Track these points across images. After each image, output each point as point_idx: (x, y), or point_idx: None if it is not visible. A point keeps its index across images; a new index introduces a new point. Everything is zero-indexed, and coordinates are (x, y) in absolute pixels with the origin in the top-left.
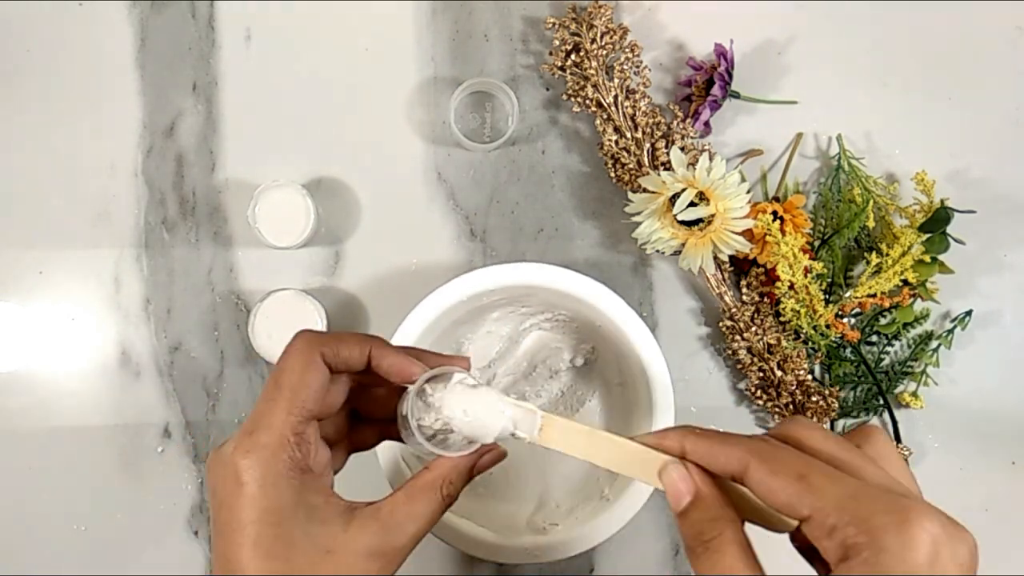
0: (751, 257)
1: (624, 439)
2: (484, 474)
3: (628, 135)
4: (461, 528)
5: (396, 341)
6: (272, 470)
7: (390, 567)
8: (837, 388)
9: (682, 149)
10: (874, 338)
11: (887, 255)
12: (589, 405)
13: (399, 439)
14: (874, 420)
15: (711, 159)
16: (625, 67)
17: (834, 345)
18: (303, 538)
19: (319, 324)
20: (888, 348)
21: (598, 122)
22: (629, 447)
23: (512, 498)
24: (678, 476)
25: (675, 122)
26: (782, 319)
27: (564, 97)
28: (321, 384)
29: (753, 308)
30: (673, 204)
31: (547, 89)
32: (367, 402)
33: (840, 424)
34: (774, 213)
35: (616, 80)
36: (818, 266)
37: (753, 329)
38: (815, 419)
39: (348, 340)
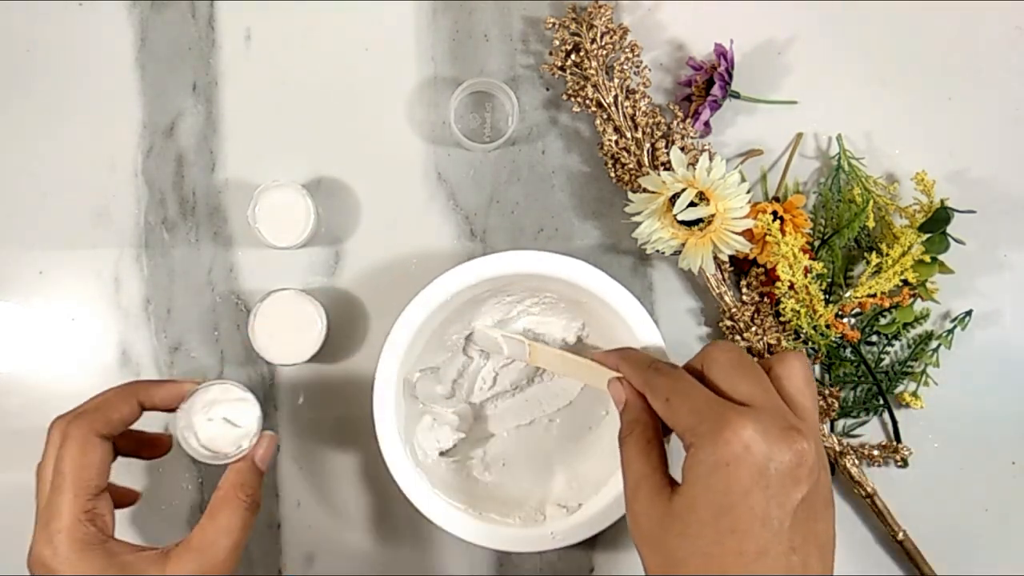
0: (751, 257)
1: (585, 359)
2: (510, 464)
3: (628, 135)
4: (481, 524)
5: (387, 351)
6: (75, 549)
7: None
8: (837, 388)
9: (682, 149)
10: (874, 338)
11: (887, 255)
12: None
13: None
14: (874, 420)
15: (711, 159)
16: (625, 67)
17: (834, 345)
18: (87, 551)
19: (319, 324)
20: (888, 348)
21: (598, 122)
22: (589, 365)
23: (531, 485)
24: (616, 388)
25: (675, 122)
26: (782, 319)
27: (564, 97)
28: (101, 459)
29: (753, 308)
30: (673, 204)
31: (547, 89)
32: (128, 444)
33: (840, 424)
34: (774, 213)
35: (616, 80)
36: (818, 266)
37: (753, 329)
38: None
39: (113, 403)
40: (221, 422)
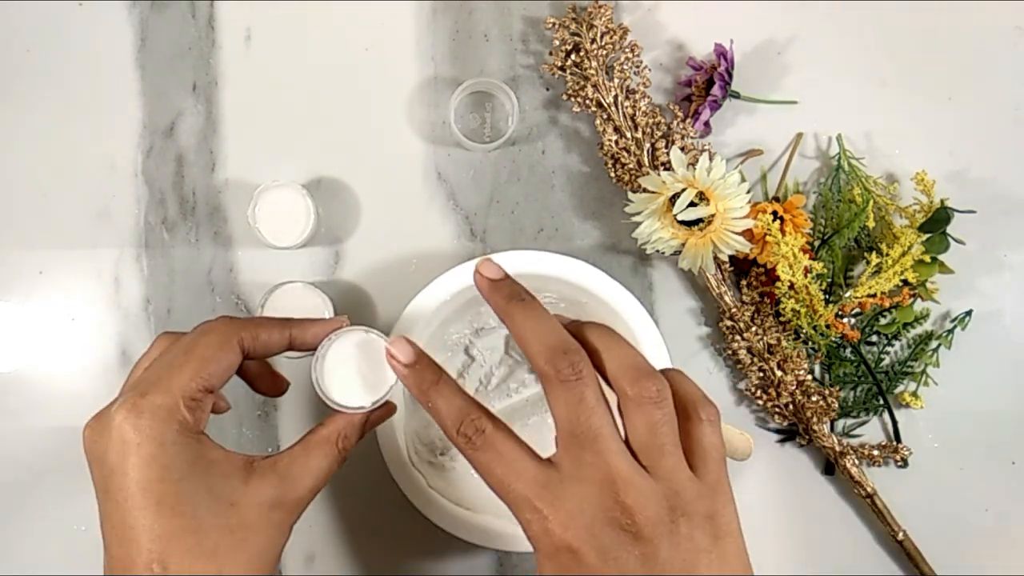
0: (751, 257)
1: None
2: None
3: (628, 135)
4: (480, 523)
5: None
6: (169, 429)
7: (290, 518)
8: (837, 388)
9: (682, 149)
10: (874, 338)
11: (887, 255)
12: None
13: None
14: (874, 420)
15: (711, 159)
16: (625, 67)
17: (834, 345)
18: (206, 493)
19: (327, 316)
20: (888, 348)
21: (598, 122)
22: None
23: None
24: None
25: (675, 122)
26: (782, 319)
27: (564, 97)
28: (231, 364)
29: (753, 308)
30: (673, 204)
31: (547, 89)
32: (253, 369)
33: (840, 424)
34: (774, 213)
35: (616, 80)
36: (818, 266)
37: (753, 329)
38: (815, 419)
39: (267, 325)
40: (357, 373)
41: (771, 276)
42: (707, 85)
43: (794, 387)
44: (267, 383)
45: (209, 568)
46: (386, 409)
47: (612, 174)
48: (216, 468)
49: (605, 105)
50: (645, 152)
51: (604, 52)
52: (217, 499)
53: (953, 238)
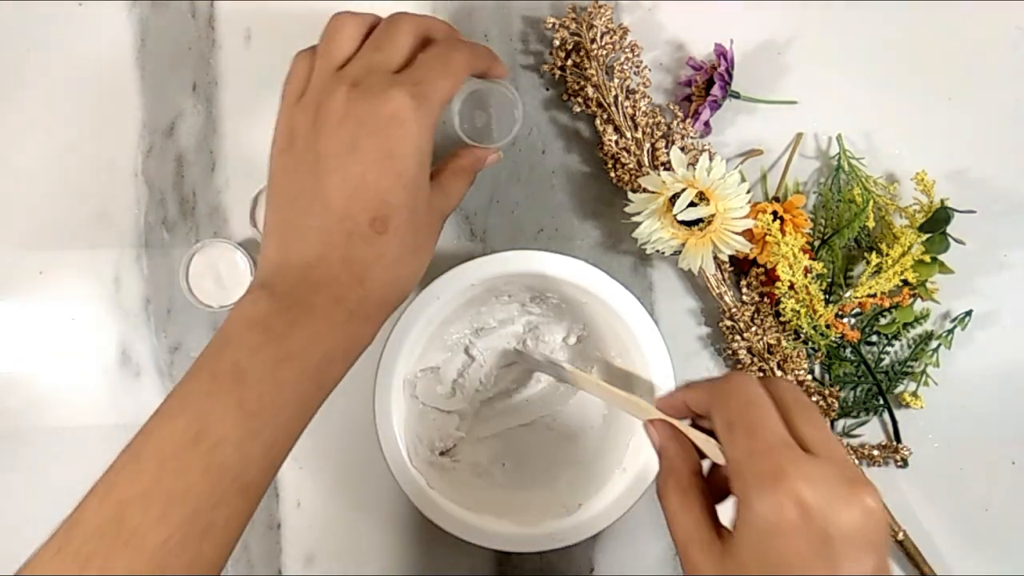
0: (751, 257)
1: (628, 394)
2: (510, 464)
3: (628, 135)
4: (481, 524)
5: (388, 352)
6: (430, 120)
7: (442, 225)
8: (837, 388)
9: (682, 149)
10: (874, 338)
11: (887, 255)
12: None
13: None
14: (874, 420)
15: (711, 159)
16: (625, 67)
17: (834, 345)
18: (425, 186)
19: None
20: (888, 348)
21: (598, 122)
22: (631, 400)
23: (532, 486)
24: (651, 430)
25: (675, 122)
26: (782, 319)
27: (564, 97)
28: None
29: (753, 308)
30: (673, 204)
31: (547, 89)
32: None
33: (840, 424)
34: (774, 213)
35: (616, 80)
36: (818, 266)
37: (753, 329)
38: None
39: (485, 54)
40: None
41: (771, 276)
42: (707, 85)
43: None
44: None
45: (412, 242)
46: (496, 157)
47: (612, 174)
48: (428, 172)
49: (605, 105)
50: (645, 152)
51: (604, 52)
52: (425, 196)
53: (953, 238)
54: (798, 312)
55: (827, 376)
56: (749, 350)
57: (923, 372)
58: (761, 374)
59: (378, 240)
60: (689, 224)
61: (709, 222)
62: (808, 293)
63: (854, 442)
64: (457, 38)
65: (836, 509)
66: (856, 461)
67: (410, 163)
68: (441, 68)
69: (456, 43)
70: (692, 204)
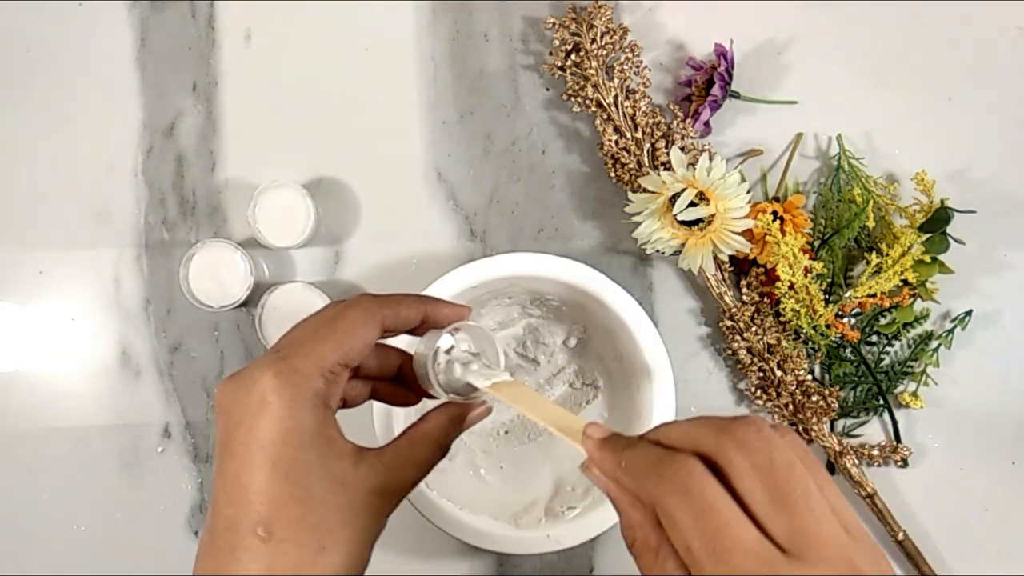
0: (751, 257)
1: (558, 409)
2: (507, 467)
3: (628, 135)
4: (478, 525)
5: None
6: (303, 396)
7: (390, 507)
8: (837, 388)
9: (682, 149)
10: (874, 338)
11: (887, 255)
12: (600, 388)
13: (386, 400)
14: (874, 420)
15: (711, 159)
16: (625, 67)
17: (834, 345)
18: (320, 467)
19: None
20: (888, 348)
21: (598, 122)
22: (562, 416)
23: (528, 488)
24: (592, 475)
25: (675, 122)
26: (782, 319)
27: (564, 97)
28: (370, 342)
29: (753, 308)
30: (673, 204)
31: (547, 89)
32: (368, 360)
33: (840, 424)
34: (774, 213)
35: (616, 80)
36: (818, 266)
37: (753, 329)
38: (815, 419)
39: (406, 301)
40: (462, 366)
41: (771, 276)
42: (707, 85)
43: (794, 387)
44: (400, 395)
45: (312, 541)
46: (484, 408)
47: (612, 174)
48: (334, 447)
49: (605, 105)
50: (645, 152)
51: (604, 52)
52: (330, 476)
53: (953, 238)
54: (798, 312)
55: (827, 376)
56: (749, 350)
57: (923, 372)
58: (761, 374)
59: (263, 549)
60: (689, 224)
61: (709, 222)
62: (808, 293)
63: (854, 442)
64: (349, 303)
65: None
66: (856, 461)
67: (286, 450)
68: (315, 331)
69: (357, 299)
70: (692, 204)
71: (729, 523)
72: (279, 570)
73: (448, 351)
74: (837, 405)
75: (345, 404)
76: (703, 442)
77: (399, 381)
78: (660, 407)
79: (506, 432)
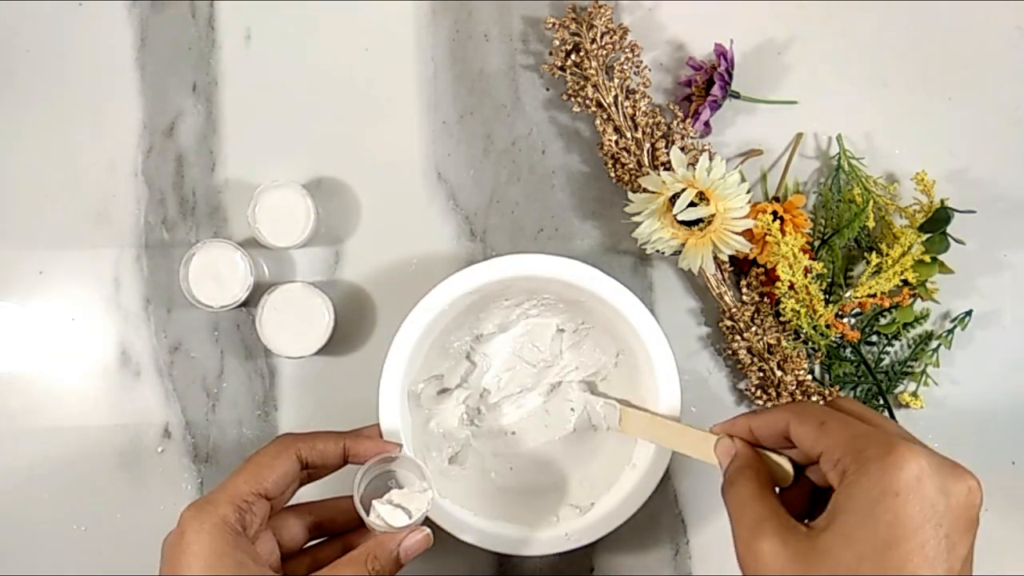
0: (751, 257)
1: (686, 426)
2: (518, 467)
3: (628, 135)
4: (495, 530)
5: (390, 363)
6: (210, 523)
7: None
8: (837, 388)
9: (682, 149)
10: (874, 338)
11: (887, 255)
12: (603, 384)
13: (326, 534)
14: None
15: (711, 159)
16: (625, 67)
17: (834, 345)
18: None
19: (327, 317)
20: (888, 348)
21: (598, 122)
22: (689, 431)
23: (541, 488)
24: (726, 444)
25: (675, 122)
26: (782, 319)
27: (564, 97)
28: (287, 471)
29: (753, 308)
30: (673, 204)
31: (547, 89)
32: (331, 517)
33: None
34: (774, 213)
35: (616, 80)
36: (818, 266)
37: (753, 329)
38: None
39: (323, 436)
40: (390, 505)
41: (771, 276)
42: (707, 85)
43: (794, 387)
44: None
45: None
46: (423, 539)
47: (612, 174)
48: (245, 568)
49: (605, 105)
50: (645, 152)
51: (604, 52)
52: None
53: (953, 238)
54: (798, 312)
55: (827, 376)
56: (749, 350)
57: (923, 372)
58: (761, 374)
59: None
60: (689, 224)
61: (709, 222)
62: (808, 293)
63: None
64: (269, 442)
65: (947, 481)
66: None
67: (195, 571)
68: (236, 469)
69: (276, 437)
70: (692, 204)
71: (851, 415)
72: None
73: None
74: None
75: (319, 566)
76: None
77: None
78: (664, 400)
79: (513, 433)
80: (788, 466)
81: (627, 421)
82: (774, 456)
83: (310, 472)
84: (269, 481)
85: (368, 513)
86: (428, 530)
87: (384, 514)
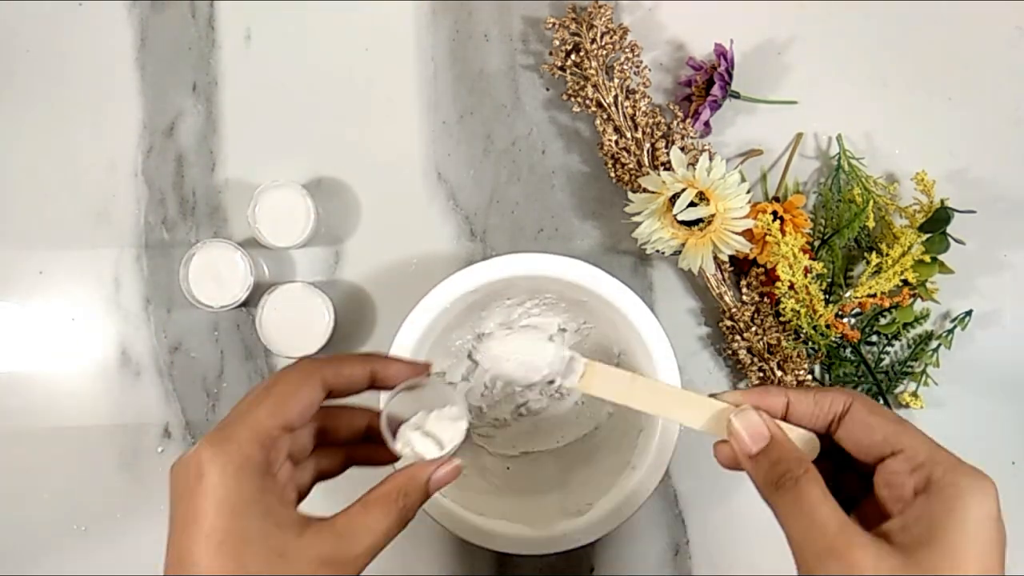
0: (751, 257)
1: (677, 388)
2: (510, 470)
3: (628, 135)
4: (495, 529)
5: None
6: (234, 464)
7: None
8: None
9: (682, 149)
10: (874, 338)
11: (887, 255)
12: None
13: (364, 463)
14: None
15: (711, 159)
16: (625, 67)
17: (834, 345)
18: (257, 537)
19: (327, 317)
20: (888, 348)
21: (598, 122)
22: (686, 397)
23: (541, 488)
24: (755, 421)
25: (675, 122)
26: (782, 319)
27: (564, 97)
28: (312, 401)
29: (753, 308)
30: (673, 204)
31: (547, 89)
32: (335, 424)
33: None
34: (774, 213)
35: (616, 80)
36: (818, 266)
37: (753, 329)
38: None
39: (349, 360)
40: (421, 433)
41: (771, 276)
42: (707, 85)
43: (794, 387)
44: (367, 450)
45: None
46: (453, 471)
47: (612, 174)
48: (272, 516)
49: (605, 105)
50: (645, 152)
51: (604, 52)
52: (266, 545)
53: (953, 238)
54: (798, 312)
55: (827, 376)
56: (749, 350)
57: (923, 372)
58: (761, 374)
59: None
60: (689, 224)
61: (709, 222)
62: (808, 293)
63: None
64: (287, 368)
65: (1001, 520)
66: None
67: (220, 520)
68: (253, 397)
69: (296, 362)
70: (692, 204)
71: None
72: None
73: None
74: None
75: (322, 476)
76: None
77: (371, 440)
78: None
79: (514, 431)
80: (816, 445)
81: (593, 378)
82: (805, 433)
83: (332, 395)
84: (294, 413)
85: (396, 441)
86: (459, 461)
87: (415, 442)
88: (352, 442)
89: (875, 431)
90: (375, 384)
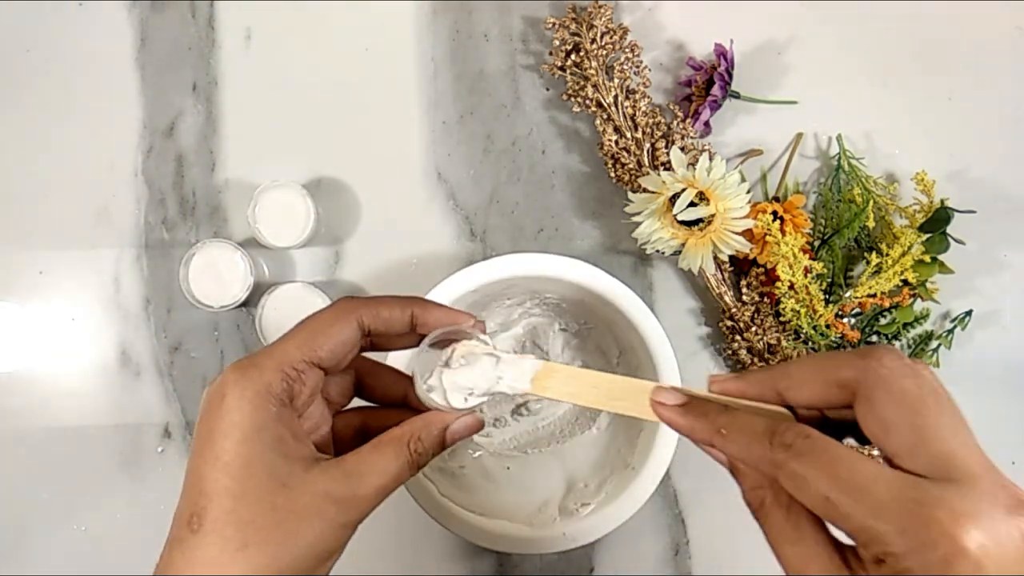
0: (751, 257)
1: (611, 375)
2: (510, 471)
3: (628, 135)
4: (495, 529)
5: (392, 363)
6: (253, 389)
7: (347, 516)
8: None
9: (682, 149)
10: (874, 338)
11: (887, 255)
12: None
13: (367, 399)
14: None
15: (711, 159)
16: (625, 67)
17: (834, 345)
18: (261, 464)
19: None
20: None
21: (598, 122)
22: (618, 382)
23: (540, 488)
24: (672, 389)
25: (675, 122)
26: (782, 319)
27: (564, 97)
28: (346, 339)
29: (753, 308)
30: (673, 204)
31: (547, 89)
32: (381, 384)
33: None
34: (774, 213)
35: (616, 80)
36: (818, 266)
37: (753, 329)
38: None
39: (388, 301)
40: (453, 384)
41: (771, 276)
42: (707, 85)
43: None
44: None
45: (235, 536)
46: (473, 423)
47: (612, 174)
48: (283, 446)
49: (605, 105)
50: (645, 152)
51: (604, 52)
52: (271, 474)
53: (953, 238)
54: (798, 312)
55: None
56: (749, 350)
57: None
58: None
59: (191, 540)
60: (689, 224)
61: (709, 222)
62: (808, 293)
63: (855, 442)
64: (325, 306)
65: (1007, 550)
66: None
67: (229, 443)
68: (288, 331)
69: (335, 300)
70: (692, 204)
71: (861, 463)
72: (198, 561)
73: (447, 359)
74: None
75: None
76: (843, 373)
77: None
78: None
79: (513, 432)
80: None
81: (545, 380)
82: (772, 408)
83: (373, 340)
84: (324, 349)
85: (426, 384)
86: (480, 414)
87: (445, 385)
88: (392, 406)
89: (820, 513)
90: (415, 328)
